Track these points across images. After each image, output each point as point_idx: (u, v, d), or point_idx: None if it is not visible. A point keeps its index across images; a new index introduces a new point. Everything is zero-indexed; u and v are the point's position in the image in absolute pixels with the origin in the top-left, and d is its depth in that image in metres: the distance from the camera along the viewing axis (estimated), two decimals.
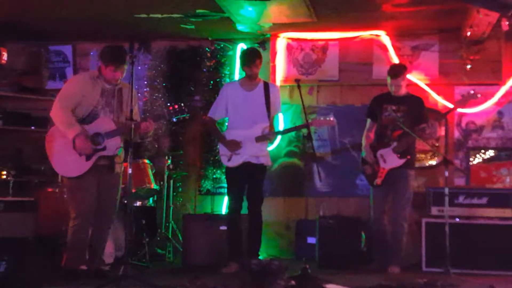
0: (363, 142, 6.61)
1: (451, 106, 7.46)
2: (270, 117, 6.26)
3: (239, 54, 6.52)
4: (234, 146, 6.18)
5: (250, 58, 6.25)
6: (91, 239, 5.67)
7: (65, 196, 6.33)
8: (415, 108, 6.36)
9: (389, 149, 6.31)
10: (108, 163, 5.60)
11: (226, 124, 6.56)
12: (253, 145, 6.17)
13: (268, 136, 6.23)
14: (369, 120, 6.63)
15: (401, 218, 6.28)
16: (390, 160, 6.31)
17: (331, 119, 6.30)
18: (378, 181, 6.35)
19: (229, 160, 6.22)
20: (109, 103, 5.61)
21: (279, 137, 7.67)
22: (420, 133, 6.19)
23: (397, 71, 6.43)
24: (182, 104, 5.60)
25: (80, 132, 5.38)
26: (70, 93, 5.54)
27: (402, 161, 6.28)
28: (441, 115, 6.96)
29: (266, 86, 6.32)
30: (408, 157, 6.31)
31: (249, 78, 6.30)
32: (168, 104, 6.75)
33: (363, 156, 6.56)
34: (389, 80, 6.40)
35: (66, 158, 5.46)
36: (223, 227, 6.52)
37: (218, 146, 6.41)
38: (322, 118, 6.45)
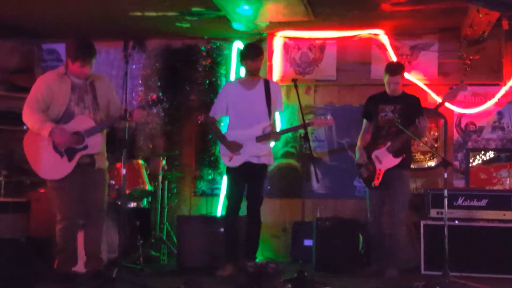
0: (358, 143, 6.54)
1: (450, 106, 7.42)
2: (271, 116, 6.23)
3: (242, 48, 6.45)
4: (235, 147, 6.14)
5: (256, 52, 6.22)
6: (85, 240, 5.61)
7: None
8: (411, 107, 6.27)
9: (384, 149, 6.23)
10: (88, 160, 5.49)
11: (226, 123, 6.52)
12: (254, 145, 6.13)
13: (270, 135, 6.16)
14: (365, 121, 6.54)
15: (399, 220, 6.20)
16: (386, 160, 6.23)
17: (329, 118, 6.26)
18: (376, 182, 6.27)
19: (230, 160, 6.19)
20: (82, 98, 5.47)
21: None
22: (414, 131, 6.10)
23: (396, 69, 6.35)
24: (160, 94, 5.53)
25: (54, 126, 5.26)
26: (37, 94, 5.37)
27: (397, 160, 6.19)
28: (431, 110, 6.80)
29: (267, 83, 6.28)
30: (404, 155, 6.23)
31: (250, 75, 6.26)
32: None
33: (357, 159, 6.48)
34: (386, 78, 6.30)
35: (47, 160, 5.35)
36: (219, 229, 6.45)
37: (219, 146, 6.39)
38: (322, 118, 6.41)
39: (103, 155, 5.59)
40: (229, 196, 6.32)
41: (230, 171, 6.27)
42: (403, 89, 6.43)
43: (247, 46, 6.45)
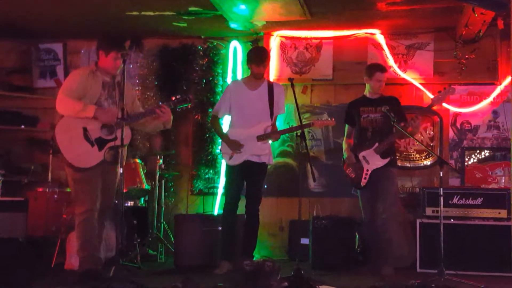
0: (344, 146, 6.61)
1: (446, 105, 7.44)
2: (273, 117, 6.28)
3: (249, 51, 6.49)
4: (236, 146, 6.19)
5: (261, 58, 6.26)
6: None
7: (56, 193, 6.23)
8: (392, 108, 6.32)
9: (371, 150, 6.29)
10: (114, 154, 5.52)
11: (225, 121, 6.61)
12: (254, 144, 6.19)
13: (270, 135, 6.21)
14: (347, 126, 6.63)
15: (390, 215, 6.24)
16: (373, 161, 6.29)
17: (331, 119, 6.37)
18: (363, 182, 6.32)
19: (230, 158, 6.24)
20: (111, 95, 5.55)
21: None
22: (404, 130, 6.15)
23: (384, 66, 6.57)
24: (184, 94, 5.60)
25: (97, 107, 5.35)
26: (72, 85, 5.44)
27: (385, 161, 6.27)
28: (424, 109, 6.84)
29: (271, 85, 6.36)
30: (391, 157, 6.31)
31: (255, 77, 6.31)
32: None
33: (344, 159, 6.53)
34: (375, 76, 6.36)
35: (78, 150, 5.37)
36: (216, 228, 6.46)
37: (220, 144, 6.47)
38: (324, 119, 6.49)
39: (125, 151, 5.58)
40: (227, 194, 6.35)
41: (230, 169, 6.31)
42: (381, 92, 6.48)
43: (254, 51, 6.49)
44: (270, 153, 6.34)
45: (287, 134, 7.70)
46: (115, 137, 5.42)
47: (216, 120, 6.48)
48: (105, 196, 5.54)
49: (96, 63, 5.59)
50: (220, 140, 6.50)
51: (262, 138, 6.19)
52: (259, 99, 6.27)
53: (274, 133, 6.26)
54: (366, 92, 6.53)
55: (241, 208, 6.34)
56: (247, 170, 6.22)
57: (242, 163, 6.20)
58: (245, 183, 6.34)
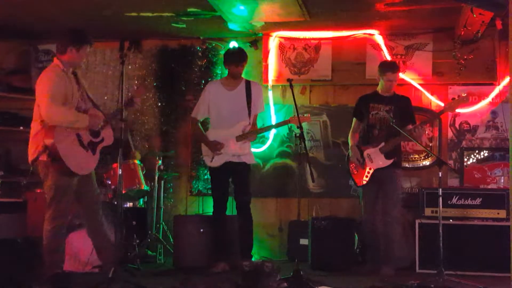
0: (350, 142, 6.59)
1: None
2: (251, 116, 6.28)
3: (226, 52, 6.51)
4: (216, 147, 6.20)
5: (240, 58, 6.27)
6: (95, 238, 5.56)
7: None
8: (403, 108, 6.33)
9: (376, 149, 6.28)
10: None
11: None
12: (234, 145, 6.21)
13: (247, 134, 6.22)
14: (355, 120, 6.59)
15: (392, 218, 6.24)
16: (377, 160, 6.28)
17: (307, 115, 6.36)
18: (364, 181, 6.32)
19: (211, 160, 6.25)
20: (82, 93, 5.46)
21: (271, 136, 7.71)
22: (409, 133, 6.14)
23: (397, 65, 6.50)
24: (130, 94, 5.61)
25: (88, 115, 5.30)
26: (56, 89, 5.23)
27: (389, 162, 6.25)
28: (431, 118, 6.89)
29: (248, 84, 6.35)
30: (395, 158, 6.28)
31: (233, 77, 6.32)
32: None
33: (349, 156, 6.51)
34: (386, 75, 6.30)
35: (78, 157, 5.29)
36: (215, 229, 6.46)
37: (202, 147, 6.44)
38: (302, 115, 6.51)
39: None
40: (214, 195, 6.38)
41: (212, 171, 6.35)
42: (394, 90, 6.47)
43: (233, 51, 6.49)
44: (250, 152, 6.36)
45: (286, 135, 7.75)
46: (103, 138, 5.43)
47: (195, 122, 6.46)
48: (87, 198, 5.50)
49: (60, 61, 5.36)
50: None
51: (241, 138, 6.20)
52: (237, 99, 6.27)
53: (250, 133, 6.24)
54: (379, 89, 6.46)
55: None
56: (231, 172, 6.25)
57: (223, 164, 6.21)
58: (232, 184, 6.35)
